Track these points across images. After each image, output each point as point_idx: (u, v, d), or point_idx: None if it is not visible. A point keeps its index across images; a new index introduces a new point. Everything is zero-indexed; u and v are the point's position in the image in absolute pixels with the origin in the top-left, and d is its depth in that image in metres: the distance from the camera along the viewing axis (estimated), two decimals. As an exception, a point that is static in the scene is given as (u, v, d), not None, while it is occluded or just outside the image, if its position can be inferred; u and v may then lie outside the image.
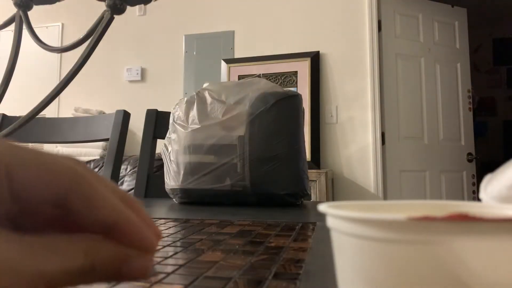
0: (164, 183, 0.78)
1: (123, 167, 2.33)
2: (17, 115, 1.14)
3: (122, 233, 0.15)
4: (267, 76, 2.46)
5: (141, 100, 2.72)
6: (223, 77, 2.53)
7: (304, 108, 0.80)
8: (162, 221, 0.50)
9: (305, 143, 0.75)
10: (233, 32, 2.62)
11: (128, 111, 1.05)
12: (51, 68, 2.93)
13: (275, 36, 2.54)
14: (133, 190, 1.81)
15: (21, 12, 0.62)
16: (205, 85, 0.79)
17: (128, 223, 0.16)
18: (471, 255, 0.13)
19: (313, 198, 2.03)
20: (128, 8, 0.58)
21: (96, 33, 0.55)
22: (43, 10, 2.96)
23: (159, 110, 1.09)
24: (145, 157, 1.02)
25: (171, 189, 0.75)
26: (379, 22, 2.41)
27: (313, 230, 0.43)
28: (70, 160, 0.15)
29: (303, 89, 2.39)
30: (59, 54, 2.92)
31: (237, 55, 2.58)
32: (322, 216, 0.57)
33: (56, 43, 2.96)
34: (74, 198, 0.15)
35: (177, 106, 0.79)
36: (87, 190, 0.15)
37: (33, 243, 0.13)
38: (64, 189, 0.15)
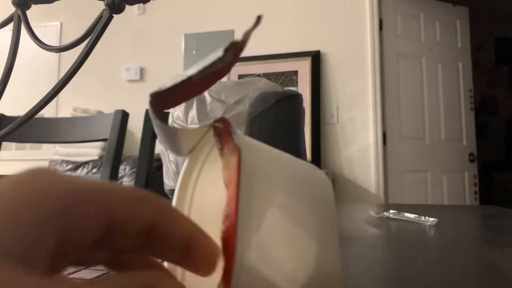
0: (163, 184, 0.78)
1: (122, 167, 2.32)
2: (16, 115, 1.13)
3: (198, 245, 0.16)
4: (267, 76, 2.45)
5: (140, 100, 2.71)
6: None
7: (305, 108, 0.80)
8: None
9: (305, 143, 0.75)
10: (232, 31, 2.61)
11: (127, 111, 1.05)
12: (50, 68, 2.93)
13: (275, 35, 2.53)
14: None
15: (19, 11, 0.62)
16: (204, 84, 0.78)
17: (202, 236, 0.16)
18: None
19: (313, 198, 2.02)
20: (127, 7, 0.57)
21: (95, 32, 0.55)
22: (41, 9, 2.95)
23: (158, 110, 1.08)
24: (144, 158, 1.01)
25: (170, 189, 0.75)
26: (380, 21, 2.40)
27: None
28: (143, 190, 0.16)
29: (304, 88, 2.39)
30: (57, 54, 2.92)
31: (238, 54, 2.58)
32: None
33: (54, 42, 2.96)
34: (161, 220, 0.15)
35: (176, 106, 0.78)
36: (170, 210, 0.16)
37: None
38: (152, 213, 0.15)
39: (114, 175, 0.95)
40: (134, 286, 0.14)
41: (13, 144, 2.90)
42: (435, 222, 0.49)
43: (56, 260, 0.13)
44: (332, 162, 2.36)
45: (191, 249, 0.16)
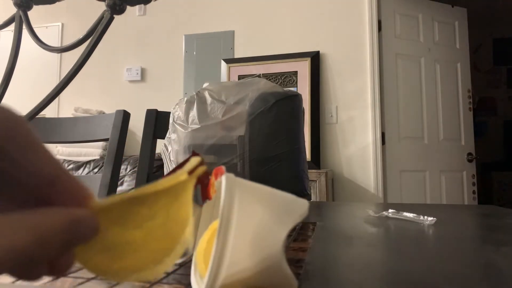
0: (164, 183, 0.78)
1: (123, 167, 2.33)
2: (17, 115, 1.13)
3: (59, 187, 0.15)
4: (267, 76, 2.46)
5: (141, 100, 2.72)
6: (223, 77, 2.53)
7: (304, 108, 0.80)
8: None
9: (305, 143, 0.75)
10: (233, 32, 2.61)
11: (128, 111, 1.05)
12: (51, 68, 2.93)
13: (275, 36, 2.54)
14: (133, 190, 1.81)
15: (21, 12, 0.62)
16: (205, 85, 0.79)
17: (67, 178, 0.15)
18: None
19: (313, 198, 2.03)
20: (128, 8, 0.58)
21: (96, 33, 0.55)
22: (43, 10, 2.96)
23: (159, 110, 1.09)
24: (145, 157, 1.02)
25: (171, 189, 0.75)
26: (379, 22, 2.41)
27: (313, 230, 0.43)
28: (6, 109, 0.14)
29: (303, 89, 2.39)
30: (59, 54, 2.92)
31: (237, 55, 2.58)
32: (322, 216, 0.57)
33: (56, 43, 2.96)
34: (12, 146, 0.14)
35: (177, 106, 0.78)
36: (28, 139, 0.14)
37: None
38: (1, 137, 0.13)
39: (115, 174, 0.96)
40: (60, 223, 0.13)
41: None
42: (433, 221, 0.50)
43: None
44: (331, 162, 2.37)
45: (50, 188, 0.15)
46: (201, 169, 0.20)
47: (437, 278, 0.25)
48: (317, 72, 2.41)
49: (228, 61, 2.56)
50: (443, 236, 0.42)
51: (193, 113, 0.74)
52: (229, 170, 0.73)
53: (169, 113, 0.84)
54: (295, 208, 0.20)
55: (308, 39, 2.48)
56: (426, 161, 2.43)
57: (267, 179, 0.70)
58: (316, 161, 2.31)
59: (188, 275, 0.25)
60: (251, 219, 0.18)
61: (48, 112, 2.82)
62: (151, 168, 1.03)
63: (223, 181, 0.19)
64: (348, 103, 2.39)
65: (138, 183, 1.01)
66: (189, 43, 2.70)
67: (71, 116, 2.59)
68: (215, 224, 0.21)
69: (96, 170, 2.44)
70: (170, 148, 0.77)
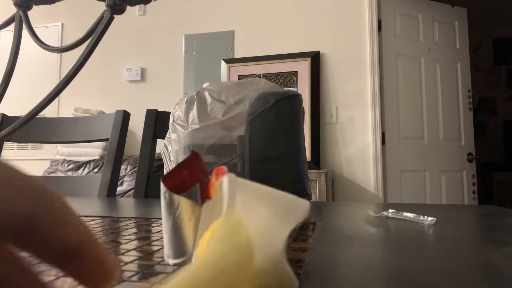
0: (164, 183, 0.78)
1: (123, 167, 2.33)
2: (17, 115, 1.14)
3: (86, 256, 0.14)
4: (267, 76, 2.46)
5: (141, 100, 2.72)
6: (223, 77, 2.53)
7: (304, 108, 0.80)
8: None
9: (305, 143, 0.75)
10: (233, 32, 2.61)
11: (128, 111, 1.05)
12: (51, 68, 2.93)
13: (275, 36, 2.54)
14: (133, 190, 1.81)
15: (21, 12, 0.62)
16: (205, 85, 0.79)
17: (94, 245, 0.14)
18: None
19: (313, 198, 2.03)
20: (128, 8, 0.58)
21: (96, 33, 0.55)
22: (43, 10, 2.96)
23: (159, 110, 1.09)
24: (145, 157, 1.02)
25: (171, 189, 0.75)
26: (379, 22, 2.41)
27: (313, 230, 0.43)
28: (37, 178, 0.14)
29: (303, 89, 2.39)
30: (59, 54, 2.92)
31: (237, 55, 2.58)
32: (322, 216, 0.57)
33: (56, 43, 2.96)
34: (41, 215, 0.13)
35: (177, 106, 0.78)
36: (55, 207, 0.13)
37: None
38: (30, 206, 0.13)
39: (115, 174, 0.96)
40: None
41: (15, 144, 2.91)
42: (433, 221, 0.50)
43: None
44: (331, 162, 2.37)
45: (79, 257, 0.14)
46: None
47: (437, 278, 0.25)
48: (317, 72, 2.41)
49: (228, 61, 2.56)
50: (443, 236, 0.42)
51: (193, 113, 0.74)
52: (229, 170, 0.73)
53: (169, 113, 0.84)
54: (297, 208, 0.21)
55: (308, 39, 2.48)
56: (426, 161, 2.43)
57: (267, 179, 0.70)
58: (316, 161, 2.31)
59: (188, 275, 0.25)
60: (252, 219, 0.18)
61: (48, 112, 2.82)
62: (151, 168, 1.03)
63: (224, 181, 0.19)
64: (348, 103, 2.39)
65: (138, 183, 1.01)
66: (189, 43, 2.70)
67: (71, 116, 2.59)
68: (216, 224, 0.21)
69: (96, 170, 2.44)
70: (170, 148, 0.77)
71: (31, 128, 1.02)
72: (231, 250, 0.16)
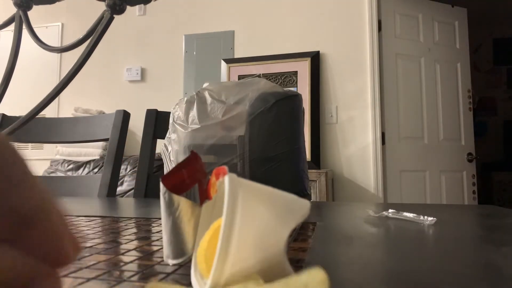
0: (164, 183, 0.78)
1: (123, 167, 2.33)
2: (17, 115, 1.14)
3: (36, 228, 0.12)
4: (267, 76, 2.46)
5: (141, 100, 2.72)
6: (223, 77, 2.53)
7: (304, 108, 0.80)
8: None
9: (305, 143, 0.75)
10: (233, 32, 2.61)
11: (128, 111, 1.05)
12: (51, 68, 2.93)
13: (275, 36, 2.54)
14: (133, 190, 1.81)
15: (21, 12, 0.62)
16: (205, 85, 0.79)
17: (49, 218, 0.12)
18: None
19: (313, 198, 2.03)
20: (128, 8, 0.58)
21: (96, 33, 0.55)
22: (43, 10, 2.96)
23: (159, 110, 1.09)
24: (145, 157, 1.02)
25: (171, 189, 0.75)
26: (379, 22, 2.41)
27: (313, 230, 0.43)
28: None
29: (303, 89, 2.39)
30: (59, 54, 2.92)
31: (237, 55, 2.58)
32: (322, 216, 0.57)
33: (56, 43, 2.96)
34: None
35: (177, 106, 0.78)
36: (10, 169, 0.12)
37: None
38: None
39: (115, 174, 0.96)
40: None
41: (15, 144, 2.90)
42: (433, 221, 0.50)
43: None
44: (331, 162, 2.37)
45: (29, 231, 0.12)
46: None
47: (437, 278, 0.25)
48: (317, 72, 2.41)
49: (228, 61, 2.56)
50: (443, 236, 0.42)
51: (193, 113, 0.74)
52: (229, 170, 0.73)
53: (169, 113, 0.84)
54: (297, 208, 0.21)
55: (308, 39, 2.48)
56: (426, 161, 2.43)
57: (267, 179, 0.70)
58: (316, 161, 2.31)
59: (188, 275, 0.25)
60: (254, 219, 0.19)
61: (48, 112, 2.83)
62: (151, 168, 1.03)
63: (225, 181, 0.19)
64: (348, 103, 2.39)
65: (138, 183, 1.01)
66: (189, 43, 2.70)
67: (71, 116, 2.59)
68: (216, 224, 0.21)
69: (96, 170, 2.44)
70: (170, 148, 0.77)
71: (31, 128, 1.02)
72: None
